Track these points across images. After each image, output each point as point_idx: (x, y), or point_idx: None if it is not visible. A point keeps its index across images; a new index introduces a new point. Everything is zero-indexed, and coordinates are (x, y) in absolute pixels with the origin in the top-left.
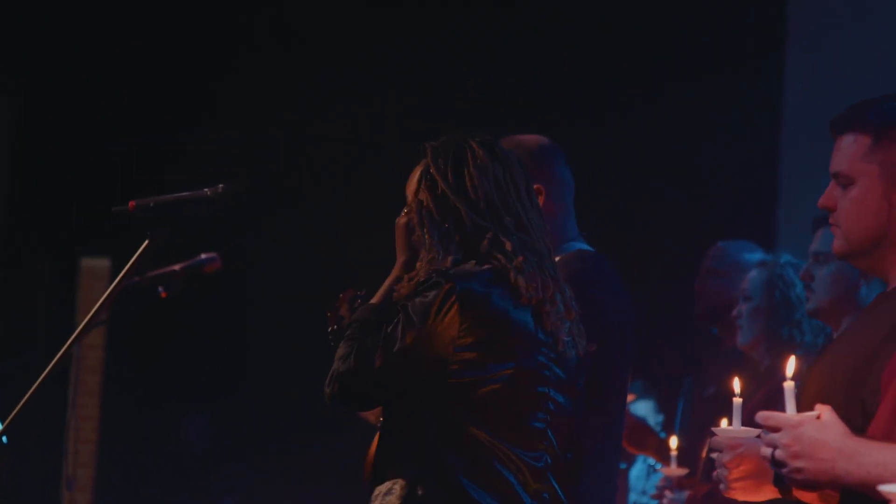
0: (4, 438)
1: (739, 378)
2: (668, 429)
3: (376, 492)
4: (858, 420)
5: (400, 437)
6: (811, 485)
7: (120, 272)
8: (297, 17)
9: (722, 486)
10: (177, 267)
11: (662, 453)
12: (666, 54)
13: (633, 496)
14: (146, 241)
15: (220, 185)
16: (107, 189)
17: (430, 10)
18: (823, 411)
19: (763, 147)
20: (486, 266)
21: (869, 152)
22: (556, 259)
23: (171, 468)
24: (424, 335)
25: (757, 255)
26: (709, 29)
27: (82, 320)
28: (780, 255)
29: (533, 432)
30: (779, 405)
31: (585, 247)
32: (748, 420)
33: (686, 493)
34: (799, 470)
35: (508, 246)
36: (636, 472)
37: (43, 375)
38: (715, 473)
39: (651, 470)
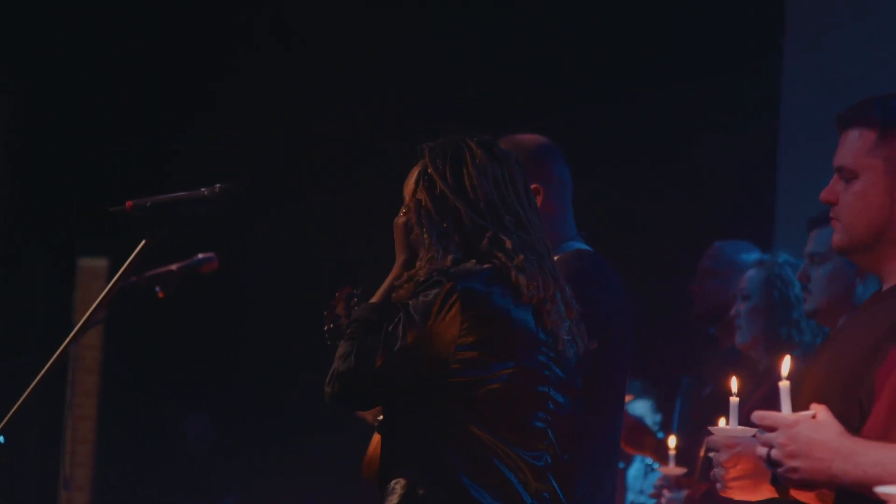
0: (2, 438)
1: (737, 378)
2: (666, 428)
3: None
4: (856, 419)
5: (400, 436)
6: (807, 484)
7: (118, 272)
8: (297, 17)
9: (719, 486)
10: (174, 267)
11: (660, 453)
12: (664, 54)
13: (630, 495)
14: (143, 241)
15: (218, 185)
16: (105, 189)
17: (430, 10)
18: (819, 411)
19: (761, 147)
20: (487, 265)
21: (874, 147)
22: (555, 258)
23: (168, 468)
24: (425, 334)
25: (754, 255)
26: (707, 29)
27: (80, 320)
28: (777, 254)
29: (533, 432)
30: (777, 405)
31: (584, 246)
32: (746, 419)
33: (684, 493)
34: (795, 469)
35: (509, 245)
36: (634, 471)
37: (40, 375)
38: (712, 473)
39: (648, 469)
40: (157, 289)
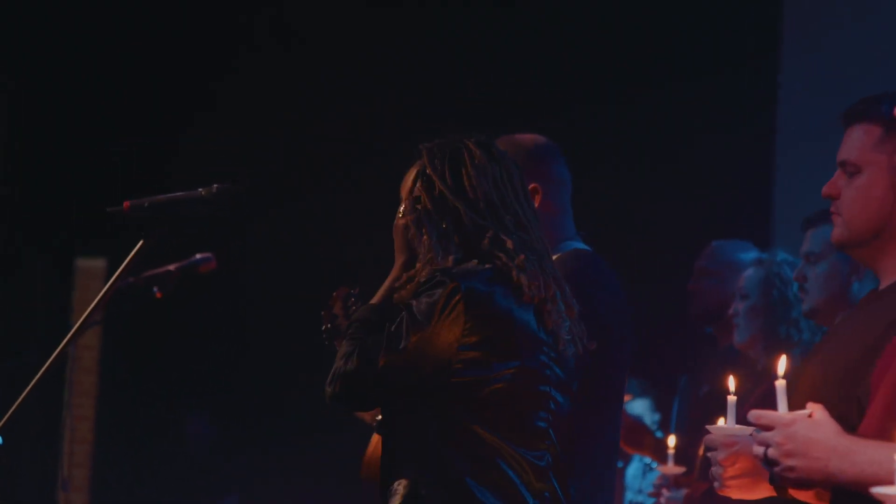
0: (0, 439)
1: (736, 377)
2: (665, 428)
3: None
4: (854, 418)
5: (400, 436)
6: (804, 483)
7: (116, 273)
8: (297, 17)
9: (717, 484)
10: (172, 267)
11: (659, 452)
12: (662, 54)
13: (629, 495)
14: (141, 242)
15: (215, 186)
16: (104, 189)
17: (430, 10)
18: (815, 409)
19: (759, 146)
20: (488, 265)
21: (879, 143)
22: (553, 258)
23: (167, 468)
24: (429, 334)
25: (751, 255)
26: (705, 30)
27: (78, 321)
28: (776, 252)
29: (535, 431)
30: (776, 404)
31: (582, 246)
32: (745, 419)
33: (683, 492)
34: (791, 468)
35: (510, 245)
36: (632, 470)
37: (38, 376)
38: (710, 471)
39: (647, 468)
40: (155, 289)
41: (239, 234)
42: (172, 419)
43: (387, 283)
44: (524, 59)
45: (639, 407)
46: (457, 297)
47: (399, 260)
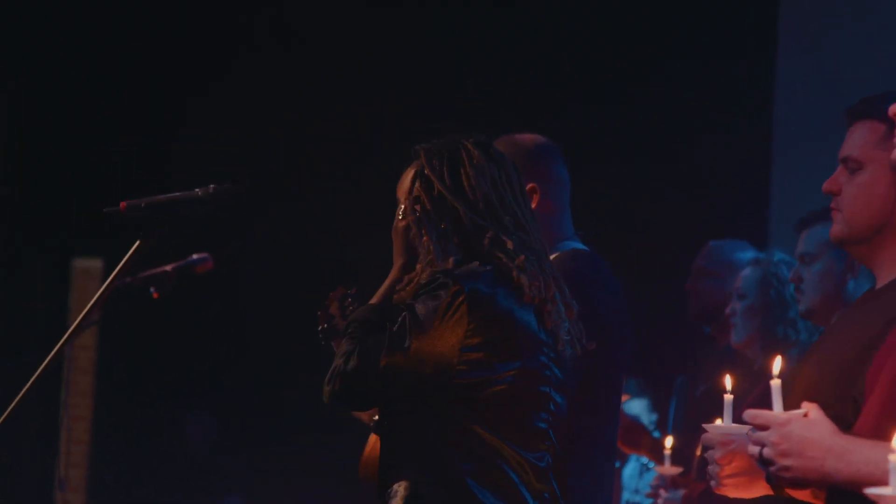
0: None
1: (733, 377)
2: (662, 428)
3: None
4: (850, 417)
5: (400, 436)
6: (799, 483)
7: (112, 273)
8: (297, 17)
9: (713, 483)
10: (168, 267)
11: (656, 453)
12: (660, 55)
13: (626, 495)
14: (137, 242)
15: (212, 186)
16: (102, 189)
17: (430, 10)
18: (811, 409)
19: (756, 147)
20: (488, 266)
21: (882, 140)
22: (551, 258)
23: (164, 468)
24: (432, 336)
25: (749, 254)
26: (702, 29)
27: (75, 321)
28: (773, 252)
29: (536, 432)
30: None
31: (580, 246)
32: (742, 419)
33: (681, 492)
34: (787, 468)
35: (510, 245)
36: (629, 470)
37: (35, 376)
38: (707, 470)
39: (644, 468)
40: (152, 289)
41: (238, 234)
42: (169, 419)
43: (386, 284)
44: (524, 59)
45: (636, 407)
46: (460, 299)
47: (398, 262)
